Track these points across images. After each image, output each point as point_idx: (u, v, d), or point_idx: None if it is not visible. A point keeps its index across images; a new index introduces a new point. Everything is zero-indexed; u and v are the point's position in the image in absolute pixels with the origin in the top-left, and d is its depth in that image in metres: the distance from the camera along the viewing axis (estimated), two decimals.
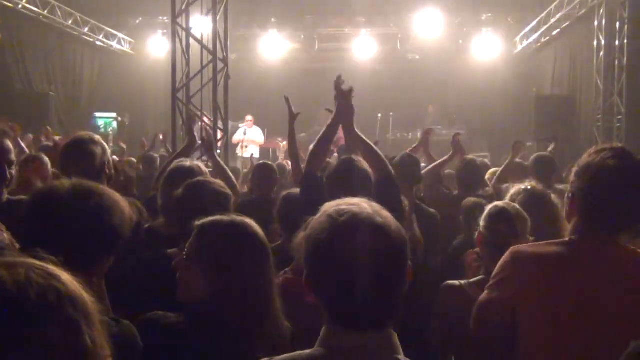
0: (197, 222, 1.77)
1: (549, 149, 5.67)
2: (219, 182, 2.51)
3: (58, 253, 1.45)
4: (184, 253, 1.78)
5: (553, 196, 2.70)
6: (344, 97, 2.91)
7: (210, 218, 1.78)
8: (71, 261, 1.27)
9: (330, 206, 1.25)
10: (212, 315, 1.66)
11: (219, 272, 1.68)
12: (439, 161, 4.78)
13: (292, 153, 4.12)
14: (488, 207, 2.43)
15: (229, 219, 1.77)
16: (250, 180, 4.76)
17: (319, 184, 2.78)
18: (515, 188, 2.75)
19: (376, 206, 1.24)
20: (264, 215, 3.49)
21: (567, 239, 1.81)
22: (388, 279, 1.19)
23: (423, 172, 4.51)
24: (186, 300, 1.75)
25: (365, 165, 2.73)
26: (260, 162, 5.02)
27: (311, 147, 3.06)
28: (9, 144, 2.58)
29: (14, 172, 2.57)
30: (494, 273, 1.88)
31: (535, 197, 2.64)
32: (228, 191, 2.43)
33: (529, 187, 2.72)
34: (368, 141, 2.94)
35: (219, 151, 6.57)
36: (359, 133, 2.97)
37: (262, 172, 4.53)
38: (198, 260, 1.72)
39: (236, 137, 11.55)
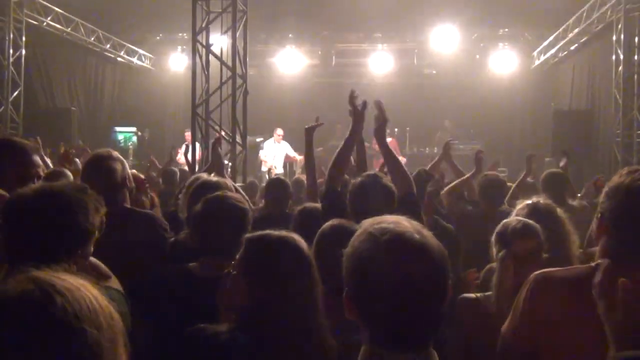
0: (247, 236, 1.82)
1: (561, 164, 5.63)
2: (237, 196, 2.54)
3: (36, 253, 1.55)
4: (233, 265, 1.81)
5: (559, 210, 2.64)
6: (358, 113, 2.96)
7: (259, 232, 1.82)
8: (48, 257, 1.37)
9: (369, 224, 1.23)
10: (259, 328, 1.68)
11: (266, 285, 1.71)
12: (462, 178, 4.77)
13: (308, 167, 4.15)
14: (500, 225, 2.43)
15: (277, 234, 1.80)
16: (264, 196, 4.81)
17: (341, 199, 2.81)
18: (521, 203, 2.75)
19: (416, 224, 1.23)
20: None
21: (594, 263, 1.76)
22: (431, 298, 1.17)
23: (446, 188, 4.54)
24: (232, 311, 1.80)
25: (388, 181, 2.76)
26: (274, 177, 5.06)
27: (330, 163, 3.09)
28: (38, 159, 2.66)
29: None
30: (517, 299, 1.83)
31: (539, 211, 2.59)
32: (246, 205, 2.46)
33: (532, 202, 2.70)
34: (396, 156, 2.97)
35: (229, 166, 6.65)
36: (389, 147, 3.02)
37: (276, 188, 4.57)
38: (247, 273, 1.75)
39: (268, 157, 11.66)
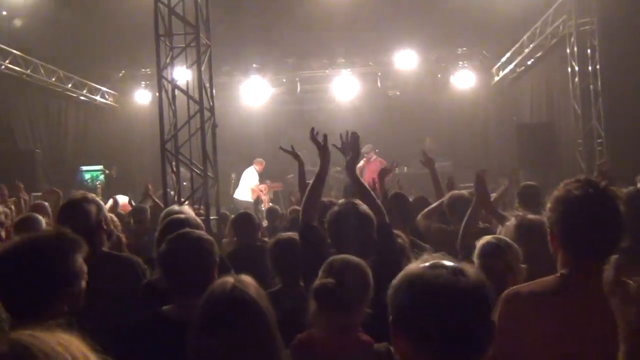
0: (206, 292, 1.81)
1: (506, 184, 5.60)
2: (201, 232, 2.54)
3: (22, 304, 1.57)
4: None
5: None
6: (322, 148, 3.02)
7: (215, 288, 1.81)
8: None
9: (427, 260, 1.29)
10: None
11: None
12: (434, 205, 4.82)
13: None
14: (479, 244, 2.49)
15: (229, 293, 1.78)
16: (233, 233, 4.84)
17: (317, 234, 2.82)
18: (506, 223, 2.81)
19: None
20: (251, 264, 3.56)
21: (558, 274, 1.85)
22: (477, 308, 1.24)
23: (423, 212, 4.59)
24: None
25: (365, 208, 2.78)
26: (240, 212, 5.11)
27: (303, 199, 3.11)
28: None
29: (2, 234, 2.59)
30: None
31: (524, 228, 2.68)
32: (210, 238, 2.44)
33: (519, 219, 2.77)
34: (366, 186, 3.01)
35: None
36: (360, 178, 3.06)
37: (242, 222, 4.63)
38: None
39: (254, 184, 11.71)
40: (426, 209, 4.65)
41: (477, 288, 1.22)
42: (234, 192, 12.26)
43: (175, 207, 3.84)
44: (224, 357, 1.68)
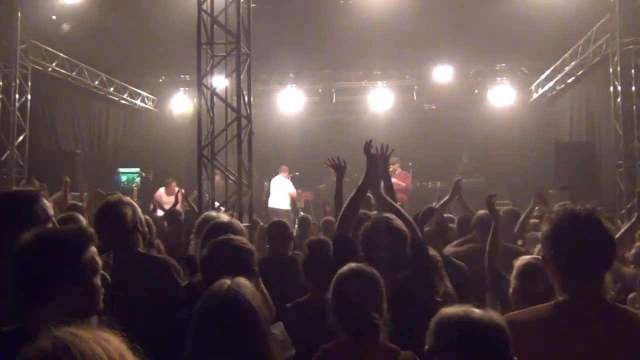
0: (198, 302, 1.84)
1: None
2: (241, 238, 2.58)
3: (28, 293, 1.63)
4: None
5: None
6: (374, 162, 3.01)
7: (212, 288, 1.84)
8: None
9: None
10: None
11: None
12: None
13: (337, 213, 4.17)
14: (518, 264, 2.44)
15: (224, 293, 1.80)
16: (267, 241, 4.82)
17: (351, 246, 2.82)
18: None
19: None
20: (281, 274, 3.58)
21: (555, 301, 1.85)
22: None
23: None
24: None
25: (400, 224, 2.76)
26: (274, 220, 5.09)
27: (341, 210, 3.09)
28: (48, 202, 2.69)
29: None
30: None
31: None
32: (250, 246, 2.50)
33: None
34: (395, 204, 2.99)
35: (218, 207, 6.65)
36: (387, 197, 3.04)
37: (276, 232, 4.58)
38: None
39: (293, 190, 11.91)
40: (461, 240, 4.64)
41: (497, 328, 1.50)
42: (266, 200, 12.33)
43: (213, 213, 3.88)
44: (216, 355, 1.71)
